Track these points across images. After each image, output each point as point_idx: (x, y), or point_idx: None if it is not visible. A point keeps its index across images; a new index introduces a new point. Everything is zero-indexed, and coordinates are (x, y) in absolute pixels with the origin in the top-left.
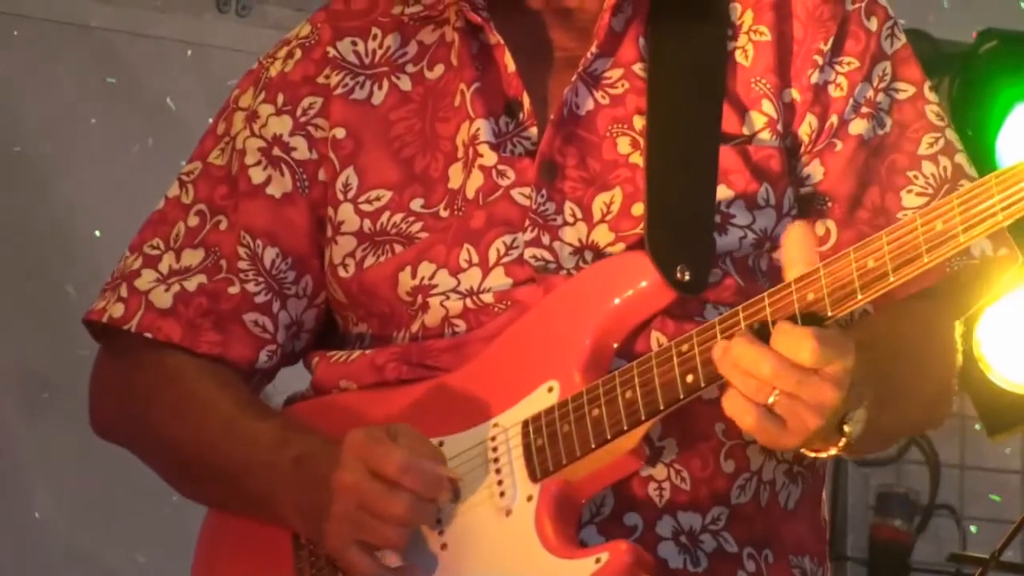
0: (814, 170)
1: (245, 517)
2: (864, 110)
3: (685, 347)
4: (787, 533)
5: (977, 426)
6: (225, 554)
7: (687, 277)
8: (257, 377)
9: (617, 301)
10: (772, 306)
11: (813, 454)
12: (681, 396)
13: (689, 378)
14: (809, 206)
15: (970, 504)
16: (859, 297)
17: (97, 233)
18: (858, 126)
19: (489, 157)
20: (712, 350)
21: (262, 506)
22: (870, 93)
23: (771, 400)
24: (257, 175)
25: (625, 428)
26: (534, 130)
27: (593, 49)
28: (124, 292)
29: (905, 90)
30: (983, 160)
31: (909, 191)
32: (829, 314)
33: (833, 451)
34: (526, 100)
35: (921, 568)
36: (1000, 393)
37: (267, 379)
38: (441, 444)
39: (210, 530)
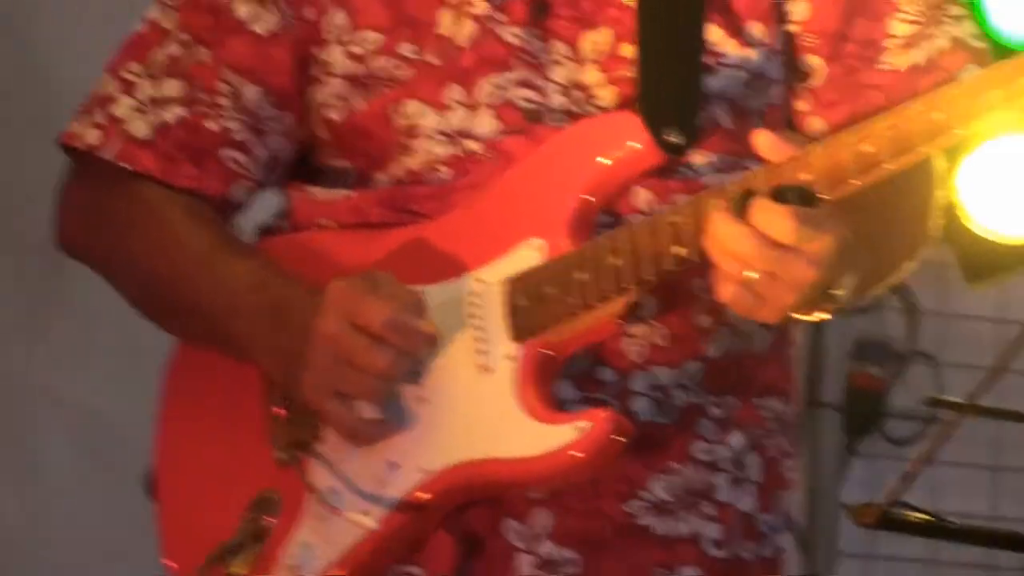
0: (800, 6)
1: (215, 355)
2: None
3: (675, 218)
4: (756, 376)
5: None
6: (193, 392)
7: (677, 139)
8: (232, 210)
9: (606, 161)
10: (763, 183)
11: (799, 316)
12: (669, 268)
13: (678, 250)
14: (797, 43)
15: (948, 351)
16: (855, 182)
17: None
18: None
19: (480, 6)
20: (706, 211)
21: (236, 347)
22: None
23: (749, 277)
24: (243, 10)
25: (611, 296)
26: None
27: None
28: (100, 118)
29: None
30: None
31: (895, 18)
32: (824, 197)
33: (822, 315)
34: None
35: (896, 414)
36: (979, 240)
37: (241, 210)
38: (420, 293)
39: (178, 366)
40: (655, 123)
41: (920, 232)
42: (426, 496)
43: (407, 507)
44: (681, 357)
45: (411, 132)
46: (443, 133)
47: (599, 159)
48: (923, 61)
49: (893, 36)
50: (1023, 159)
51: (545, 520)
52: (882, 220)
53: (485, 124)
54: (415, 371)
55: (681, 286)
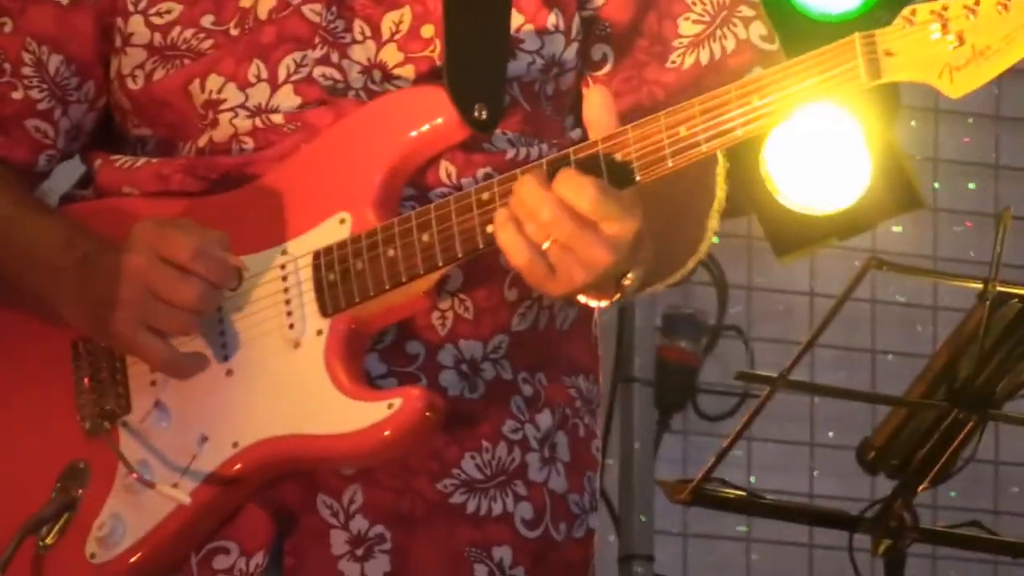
0: None
1: (21, 321)
2: None
3: (486, 196)
4: (562, 353)
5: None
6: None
7: (484, 115)
8: (36, 179)
9: (412, 134)
10: (577, 156)
11: (585, 300)
12: (480, 246)
13: (489, 228)
14: (590, 30)
15: (757, 325)
16: (669, 164)
17: None
18: None
19: None
20: (515, 183)
21: (43, 303)
22: None
23: (545, 246)
24: None
25: (421, 272)
26: None
27: None
28: None
29: None
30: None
31: (686, 18)
32: (638, 178)
33: (605, 303)
34: None
35: (707, 389)
36: (788, 214)
37: (42, 179)
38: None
39: None
40: (462, 99)
41: (701, 232)
42: (236, 469)
43: (218, 480)
44: (488, 331)
45: (213, 106)
46: (245, 108)
47: (405, 133)
48: (707, 61)
49: (682, 36)
50: (830, 132)
51: (357, 496)
52: (669, 215)
53: (286, 100)
54: (224, 343)
55: (487, 259)
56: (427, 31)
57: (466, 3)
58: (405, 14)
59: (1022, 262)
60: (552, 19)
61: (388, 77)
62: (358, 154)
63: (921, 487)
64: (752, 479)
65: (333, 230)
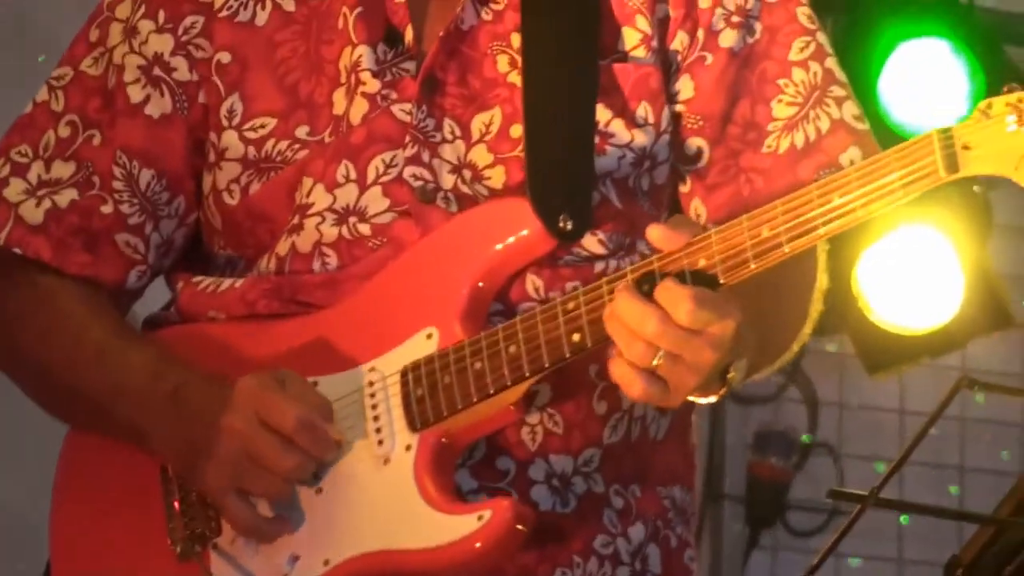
0: (684, 87)
1: (111, 445)
2: (734, 19)
3: (571, 305)
4: (656, 464)
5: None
6: (88, 483)
7: (569, 226)
8: (127, 297)
9: (498, 247)
10: (662, 269)
11: (693, 399)
12: (567, 355)
13: (575, 337)
14: (682, 123)
15: (847, 442)
16: (752, 266)
17: None
18: (727, 37)
19: (371, 84)
20: (602, 310)
21: (133, 435)
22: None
23: (656, 363)
24: (136, 93)
25: (508, 384)
26: (412, 63)
27: None
28: None
29: None
30: (866, 100)
31: (779, 101)
32: (721, 281)
33: (714, 398)
34: (409, 32)
35: (798, 506)
36: (879, 332)
37: (136, 297)
38: (316, 384)
39: (72, 457)
40: (546, 208)
41: (802, 316)
42: None
43: None
44: (578, 444)
45: (301, 210)
46: (333, 211)
47: (491, 246)
48: (802, 144)
49: (776, 119)
50: (921, 251)
51: None
52: (769, 304)
53: (375, 202)
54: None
55: (576, 374)
56: (516, 131)
57: (550, 103)
58: (495, 115)
59: None
60: (641, 111)
61: (478, 177)
62: (444, 269)
63: None
64: None
65: (421, 345)
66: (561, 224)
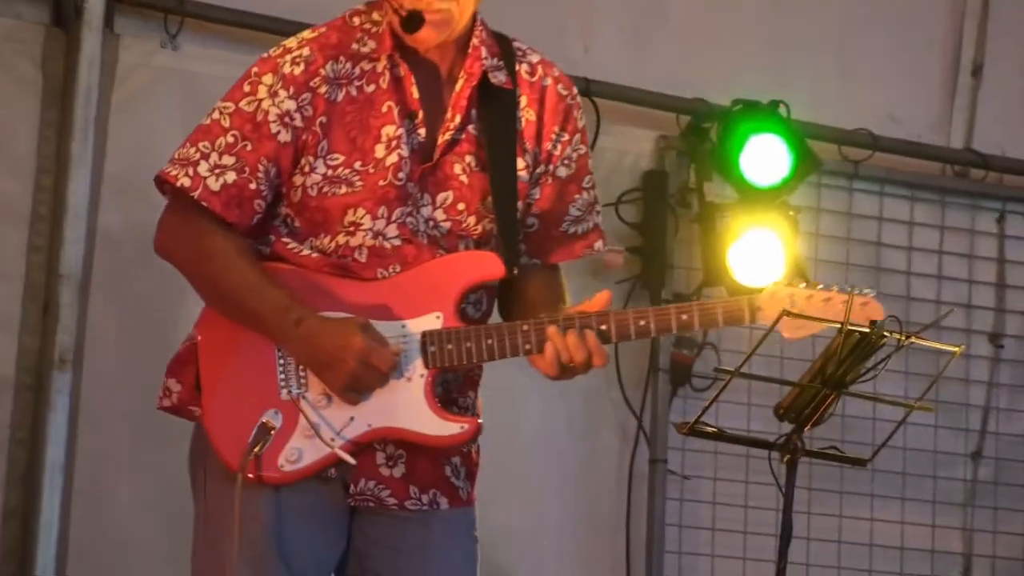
0: (537, 192)
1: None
2: (566, 160)
3: (526, 327)
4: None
5: None
6: (223, 347)
7: (515, 271)
8: (254, 232)
9: (479, 274)
10: (578, 321)
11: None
12: (520, 354)
13: (527, 346)
14: (530, 210)
15: (725, 342)
16: (632, 337)
17: None
18: (561, 171)
19: (404, 149)
20: (547, 330)
21: (273, 340)
22: (569, 151)
23: (568, 364)
24: (273, 127)
25: (484, 359)
26: (423, 131)
27: (456, 119)
28: (191, 172)
29: (581, 149)
30: (735, 176)
31: (573, 204)
32: (613, 340)
33: (569, 377)
34: (420, 114)
35: (696, 375)
36: (740, 287)
37: (251, 233)
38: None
39: (212, 330)
40: (507, 261)
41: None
42: (366, 439)
43: (354, 443)
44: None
45: (356, 224)
46: (371, 230)
47: (476, 273)
48: (580, 231)
49: (569, 215)
50: (763, 244)
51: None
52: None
53: (392, 231)
54: None
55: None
56: (460, 206)
57: (501, 197)
58: (450, 195)
59: None
60: (520, 205)
61: (437, 228)
62: (447, 279)
63: (806, 428)
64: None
65: (432, 321)
66: (513, 271)
